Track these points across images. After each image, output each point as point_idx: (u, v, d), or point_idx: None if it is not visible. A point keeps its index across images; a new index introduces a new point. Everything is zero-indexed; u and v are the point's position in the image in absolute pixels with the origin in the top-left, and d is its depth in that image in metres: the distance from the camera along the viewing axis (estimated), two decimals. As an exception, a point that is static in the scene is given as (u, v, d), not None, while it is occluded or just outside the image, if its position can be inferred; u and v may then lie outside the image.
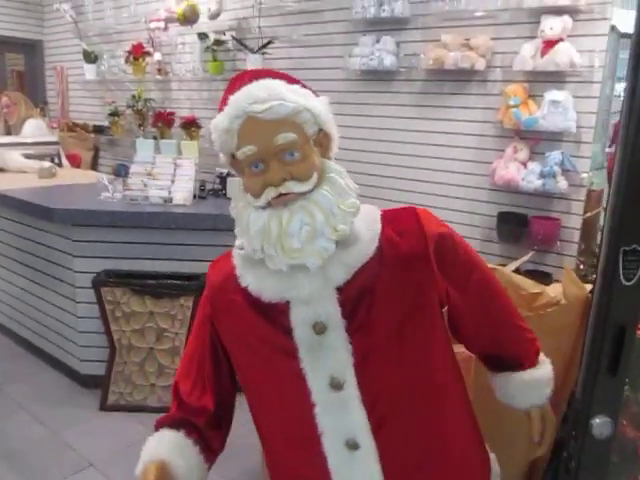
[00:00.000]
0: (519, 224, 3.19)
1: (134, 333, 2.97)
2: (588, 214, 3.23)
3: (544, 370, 1.18)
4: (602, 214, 3.13)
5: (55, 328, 3.39)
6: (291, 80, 0.97)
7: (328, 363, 0.93)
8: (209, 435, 1.06)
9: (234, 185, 3.31)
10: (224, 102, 0.95)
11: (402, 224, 1.01)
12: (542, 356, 1.20)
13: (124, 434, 2.85)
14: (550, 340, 1.52)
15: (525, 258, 2.18)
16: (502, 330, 1.15)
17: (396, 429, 0.96)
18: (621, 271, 0.94)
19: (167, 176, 3.22)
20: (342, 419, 0.93)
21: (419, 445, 0.98)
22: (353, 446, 0.93)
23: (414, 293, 0.98)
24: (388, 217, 1.02)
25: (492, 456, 1.19)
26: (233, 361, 1.06)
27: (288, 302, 0.94)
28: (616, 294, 0.96)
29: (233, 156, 0.97)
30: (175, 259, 3.01)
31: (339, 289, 0.93)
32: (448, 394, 1.05)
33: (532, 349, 1.18)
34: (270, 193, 0.92)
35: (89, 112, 5.95)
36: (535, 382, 1.16)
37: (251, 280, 0.97)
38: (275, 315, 0.96)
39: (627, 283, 0.95)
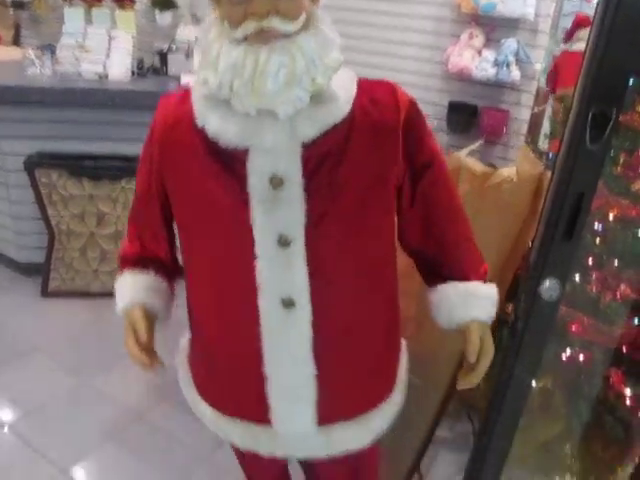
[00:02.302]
0: (469, 114, 3.17)
1: (73, 218, 2.85)
2: (536, 109, 3.27)
3: (491, 288, 1.06)
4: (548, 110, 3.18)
5: (-13, 215, 3.21)
6: None
7: (279, 219, 0.89)
8: (172, 267, 1.12)
9: (176, 62, 3.11)
10: None
11: (378, 95, 0.95)
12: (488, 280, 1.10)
13: (68, 320, 2.81)
14: (501, 217, 1.56)
15: (473, 146, 2.18)
16: (451, 234, 1.05)
17: (333, 294, 0.95)
18: (588, 135, 0.93)
19: (101, 50, 2.97)
20: (283, 275, 0.91)
21: (352, 313, 0.98)
22: (289, 304, 0.92)
23: (377, 166, 0.94)
24: (364, 86, 0.96)
25: (403, 342, 1.21)
26: (175, 205, 1.01)
27: (247, 150, 0.88)
28: (580, 158, 0.95)
29: None
30: (114, 139, 2.83)
31: (304, 146, 0.88)
32: (386, 275, 1.05)
33: (480, 266, 1.07)
34: (250, 26, 0.82)
35: (7, -18, 5.34)
36: (480, 295, 1.04)
37: (211, 121, 0.89)
38: (231, 162, 0.89)
39: (591, 147, 0.94)
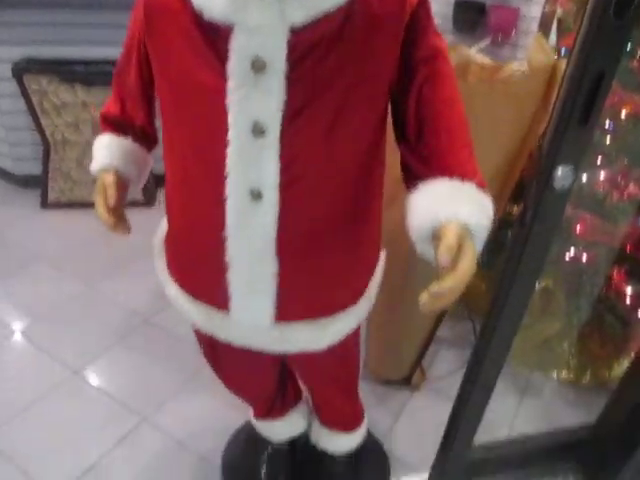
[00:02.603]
0: (476, 12, 3.02)
1: (68, 127, 2.78)
2: (547, 8, 3.10)
3: (486, 195, 0.87)
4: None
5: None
6: None
7: (256, 105, 0.84)
8: (151, 131, 1.13)
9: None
10: None
11: None
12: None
13: (69, 230, 2.82)
14: (510, 111, 1.50)
15: (481, 45, 2.08)
16: (447, 136, 0.90)
17: (303, 193, 0.91)
18: (613, 6, 0.87)
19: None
20: (253, 166, 0.87)
21: (321, 215, 0.95)
22: (256, 196, 0.89)
23: (370, 64, 0.87)
24: None
25: (382, 255, 1.18)
26: (156, 75, 0.97)
27: (232, 28, 0.81)
28: (603, 33, 0.89)
29: None
30: (105, 43, 2.67)
31: (292, 31, 0.81)
32: (368, 181, 1.00)
33: (476, 174, 0.89)
34: None
35: None
36: (471, 194, 0.86)
37: None
38: (214, 39, 0.83)
39: (616, 21, 0.88)
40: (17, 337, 2.18)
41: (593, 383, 2.06)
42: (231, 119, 0.85)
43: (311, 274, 1.00)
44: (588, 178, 1.83)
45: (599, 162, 1.82)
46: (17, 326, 2.22)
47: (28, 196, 3.06)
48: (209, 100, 0.87)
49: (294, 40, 0.81)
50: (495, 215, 0.87)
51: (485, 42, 2.19)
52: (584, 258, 1.92)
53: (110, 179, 1.05)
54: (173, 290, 1.12)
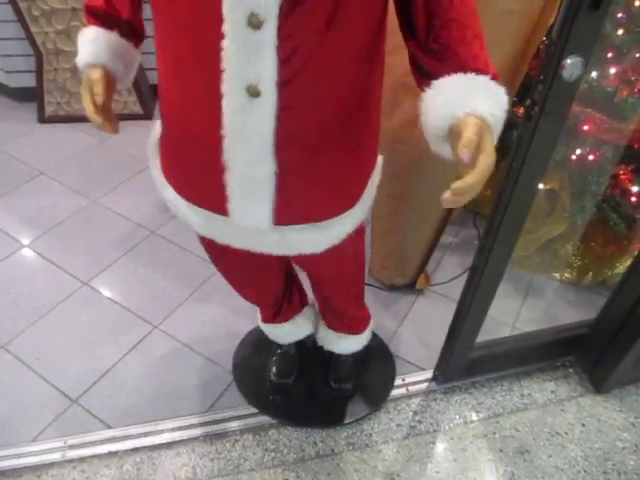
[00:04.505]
0: None
1: (59, 35, 2.67)
2: None
3: (500, 87, 0.86)
4: None
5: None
6: None
7: None
8: (136, 23, 1.08)
9: None
10: None
11: None
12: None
13: (69, 144, 2.79)
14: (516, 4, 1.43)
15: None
16: (458, 29, 0.87)
17: (303, 91, 0.88)
18: None
19: None
20: (249, 60, 0.83)
21: (320, 114, 0.92)
22: (254, 93, 0.85)
23: None
24: None
25: (379, 159, 1.16)
26: None
27: None
28: None
29: None
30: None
31: None
32: (367, 84, 0.97)
33: (488, 66, 0.87)
34: None
35: None
36: (487, 87, 0.85)
37: None
38: None
39: None
40: (25, 251, 2.21)
41: (595, 282, 2.10)
42: (226, 10, 0.80)
43: (308, 177, 0.99)
44: (597, 73, 1.77)
45: (609, 56, 1.75)
46: (25, 240, 2.25)
47: (25, 110, 3.00)
48: None
49: None
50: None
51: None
52: (590, 157, 1.89)
53: (97, 75, 1.01)
54: (171, 195, 1.12)
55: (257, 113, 0.88)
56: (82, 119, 2.86)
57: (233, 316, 1.95)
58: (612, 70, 1.75)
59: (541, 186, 1.93)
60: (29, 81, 2.91)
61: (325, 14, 0.83)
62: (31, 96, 2.93)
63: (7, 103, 3.10)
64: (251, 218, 1.02)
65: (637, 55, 1.74)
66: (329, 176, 1.02)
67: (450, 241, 2.31)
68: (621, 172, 1.87)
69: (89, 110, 1.01)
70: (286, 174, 0.96)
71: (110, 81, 1.04)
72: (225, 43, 0.82)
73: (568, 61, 0.99)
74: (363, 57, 0.93)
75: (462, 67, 0.85)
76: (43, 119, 2.92)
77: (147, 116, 2.92)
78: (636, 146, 1.82)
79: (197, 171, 1.02)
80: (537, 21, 1.45)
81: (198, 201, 1.07)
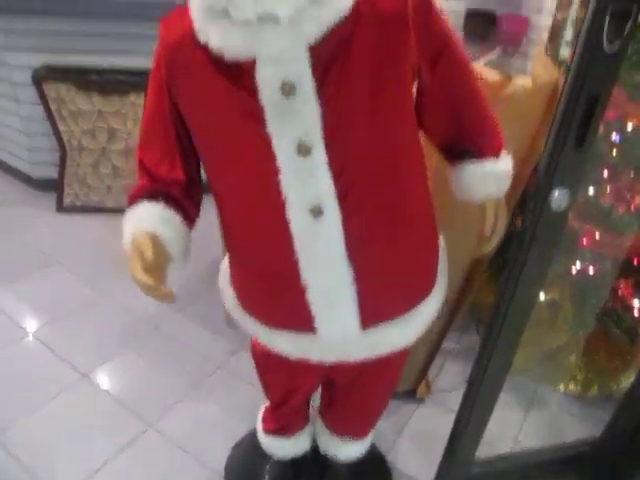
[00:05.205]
0: (487, 22, 3.02)
1: (84, 134, 2.83)
2: (558, 16, 3.09)
3: (505, 163, 1.12)
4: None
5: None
6: None
7: (296, 127, 0.87)
8: (186, 204, 1.03)
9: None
10: None
11: None
12: (504, 152, 1.14)
13: (84, 234, 2.87)
14: (515, 126, 1.50)
15: (491, 56, 2.09)
16: (467, 113, 1.07)
17: (361, 196, 0.94)
18: (605, 31, 0.87)
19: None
20: (308, 185, 0.90)
21: (382, 213, 0.98)
22: (317, 212, 0.91)
23: (389, 59, 0.91)
24: None
25: (441, 238, 1.22)
26: (192, 128, 0.99)
27: (254, 61, 0.84)
28: (596, 57, 0.90)
29: None
30: (123, 53, 2.75)
31: (311, 49, 0.84)
32: (413, 169, 1.04)
33: (496, 141, 1.12)
34: None
35: None
36: (495, 173, 1.10)
37: (212, 35, 0.85)
38: (239, 75, 0.86)
39: (609, 45, 0.89)
40: (30, 339, 2.22)
41: (599, 396, 2.05)
42: (275, 146, 0.88)
43: (386, 270, 1.03)
44: (594, 191, 1.83)
45: (605, 175, 1.81)
46: (30, 327, 2.27)
47: (45, 199, 3.12)
48: (250, 135, 0.90)
49: (314, 57, 0.85)
50: None
51: (496, 53, 2.20)
52: (591, 270, 1.91)
53: (144, 239, 0.93)
54: (258, 328, 1.14)
55: (325, 230, 0.94)
56: (98, 210, 3.01)
57: (230, 417, 1.92)
58: (608, 188, 1.81)
59: (542, 296, 1.95)
60: (52, 173, 3.05)
61: (365, 122, 0.91)
62: (52, 187, 3.06)
63: (29, 192, 3.23)
64: (339, 327, 1.05)
65: (631, 174, 1.81)
66: (404, 264, 1.06)
67: (452, 347, 2.29)
68: (622, 286, 1.89)
69: (137, 273, 0.91)
70: (364, 275, 1.00)
71: (159, 246, 0.95)
72: (282, 176, 0.90)
73: (556, 193, 1.04)
74: (406, 148, 1.01)
75: (478, 151, 1.10)
76: (61, 208, 3.03)
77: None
78: (635, 261, 1.85)
79: (278, 298, 1.06)
80: (531, 145, 1.53)
81: (285, 325, 1.09)
